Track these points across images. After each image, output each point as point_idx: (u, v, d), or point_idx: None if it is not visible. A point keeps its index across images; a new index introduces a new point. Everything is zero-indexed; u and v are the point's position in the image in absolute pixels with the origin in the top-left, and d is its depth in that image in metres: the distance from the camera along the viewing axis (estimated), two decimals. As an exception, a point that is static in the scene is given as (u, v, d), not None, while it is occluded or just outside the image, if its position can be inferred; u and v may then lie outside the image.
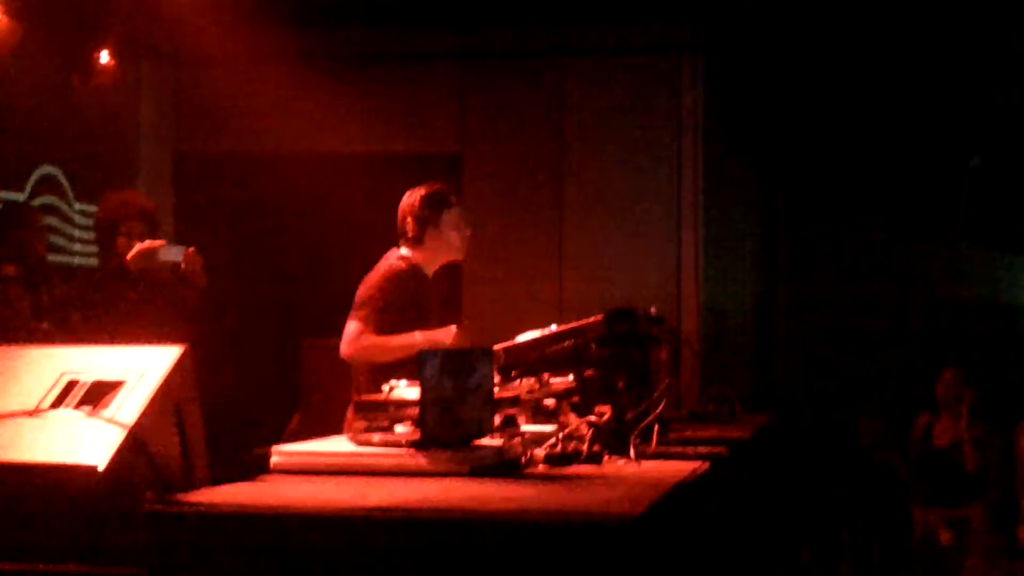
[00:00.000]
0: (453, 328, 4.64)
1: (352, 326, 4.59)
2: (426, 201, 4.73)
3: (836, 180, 9.53)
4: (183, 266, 4.94)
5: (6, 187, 6.66)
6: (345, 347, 4.59)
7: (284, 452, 3.02)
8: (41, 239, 5.73)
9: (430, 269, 4.80)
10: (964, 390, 7.06)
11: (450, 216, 4.75)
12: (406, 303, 4.63)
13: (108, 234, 5.10)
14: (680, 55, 8.10)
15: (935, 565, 6.78)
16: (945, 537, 6.74)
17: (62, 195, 7.10)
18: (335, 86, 7.85)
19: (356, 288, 4.81)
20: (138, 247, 4.89)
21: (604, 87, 8.17)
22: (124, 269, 4.93)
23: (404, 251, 4.76)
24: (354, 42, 8.12)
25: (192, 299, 5.04)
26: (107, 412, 2.62)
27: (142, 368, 2.70)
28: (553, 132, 8.20)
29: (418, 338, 4.54)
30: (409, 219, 4.74)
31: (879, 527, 7.21)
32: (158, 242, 4.94)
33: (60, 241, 7.06)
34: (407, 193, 4.79)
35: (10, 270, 5.70)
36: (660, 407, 3.55)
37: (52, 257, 6.90)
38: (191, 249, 4.96)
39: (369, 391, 4.56)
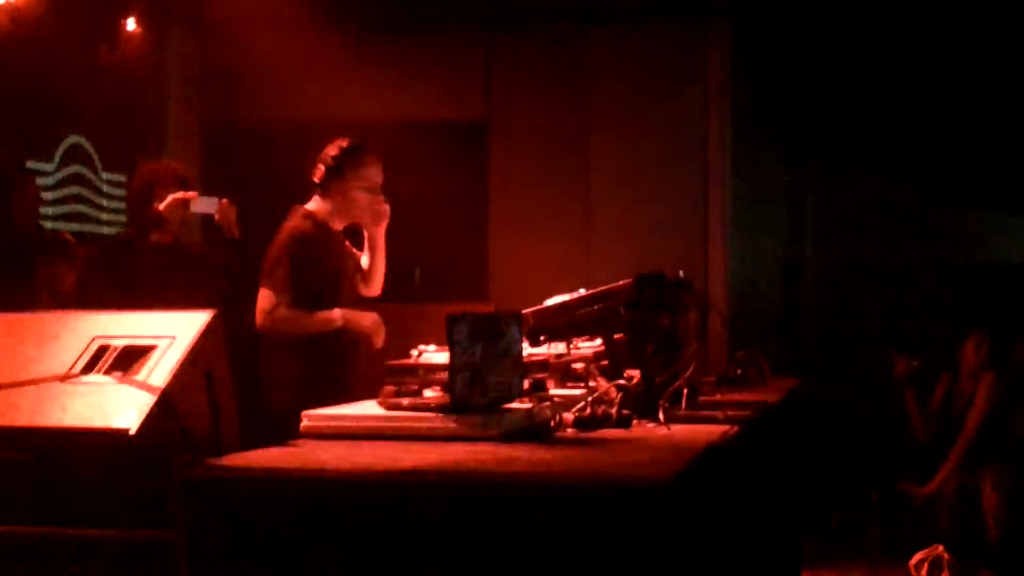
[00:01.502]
0: (375, 315, 4.62)
1: (265, 296, 4.52)
2: (340, 152, 4.69)
3: (864, 145, 9.46)
4: (216, 217, 4.97)
5: (35, 157, 6.68)
6: (260, 319, 4.52)
7: (314, 416, 3.03)
8: (31, 207, 5.61)
9: (337, 223, 4.73)
10: (987, 353, 7.01)
11: (359, 175, 4.69)
12: (312, 264, 4.57)
13: (143, 201, 5.11)
14: (708, 18, 8.05)
15: (956, 528, 6.75)
16: (956, 501, 6.72)
17: (90, 164, 7.13)
18: (362, 52, 7.84)
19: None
20: (172, 197, 4.91)
21: (631, 51, 8.13)
22: (156, 223, 4.94)
23: (310, 204, 4.72)
24: (380, 8, 8.10)
25: (224, 262, 5.06)
26: (138, 377, 2.63)
27: (173, 333, 2.71)
28: (580, 96, 8.16)
29: (336, 316, 4.51)
30: (320, 165, 4.71)
31: (907, 491, 7.18)
32: (191, 193, 4.96)
33: (88, 210, 7.09)
34: (330, 144, 4.75)
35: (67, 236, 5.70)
36: (689, 371, 3.54)
37: (80, 227, 6.93)
38: (225, 200, 4.98)
39: (284, 367, 4.55)
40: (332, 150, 4.71)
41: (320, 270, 4.59)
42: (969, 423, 6.75)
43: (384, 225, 4.80)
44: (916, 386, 7.03)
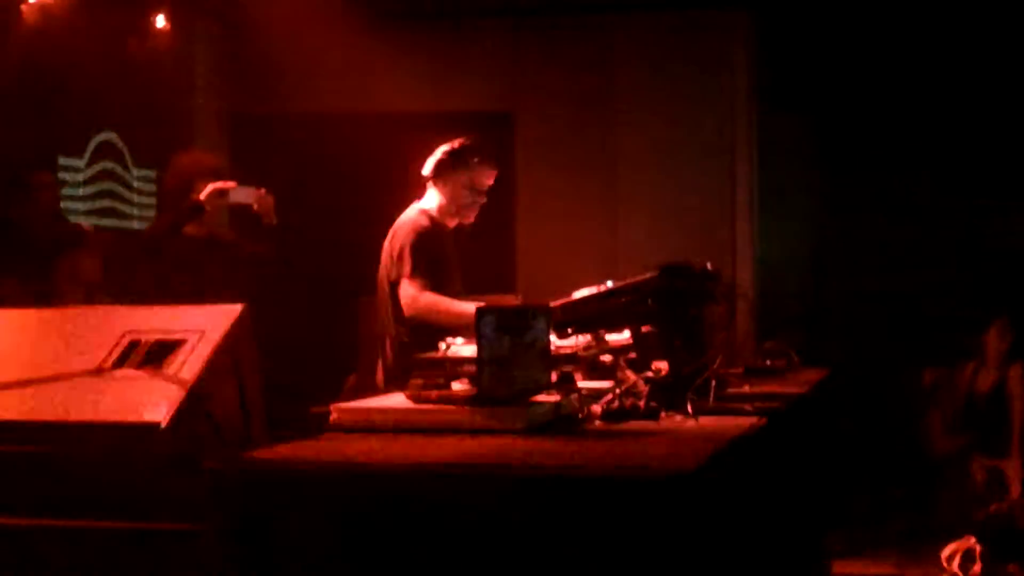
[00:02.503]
0: (514, 298, 4.67)
1: (406, 285, 4.58)
2: (450, 151, 4.76)
3: (889, 132, 9.41)
4: (255, 207, 5.04)
5: (66, 153, 6.72)
6: (407, 308, 4.58)
7: (343, 409, 3.04)
8: (49, 202, 5.57)
9: (448, 220, 4.81)
10: (1011, 339, 6.99)
11: (463, 174, 4.75)
12: (435, 258, 4.66)
13: (180, 193, 5.15)
14: (731, 8, 8.02)
15: (987, 519, 6.72)
16: (979, 482, 6.71)
17: (121, 161, 7.16)
18: (388, 45, 7.84)
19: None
20: (212, 186, 4.97)
21: (655, 41, 8.11)
22: (194, 212, 4.99)
23: (424, 201, 4.78)
24: (405, 0, 8.11)
25: (260, 254, 5.11)
26: (168, 371, 2.65)
27: (203, 327, 2.73)
28: (604, 87, 8.15)
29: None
30: (430, 162, 4.78)
31: (933, 481, 7.16)
32: (231, 183, 5.03)
33: (119, 206, 7.13)
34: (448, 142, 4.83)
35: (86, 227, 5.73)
36: (716, 362, 3.54)
37: (111, 222, 6.98)
38: (262, 190, 5.05)
39: (397, 355, 4.58)
40: (443, 147, 4.77)
41: (435, 264, 4.65)
42: (1016, 420, 6.75)
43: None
44: (941, 401, 7.03)
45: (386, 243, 4.76)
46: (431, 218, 4.75)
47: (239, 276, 5.01)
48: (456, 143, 4.79)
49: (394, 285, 4.64)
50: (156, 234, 5.20)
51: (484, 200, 4.82)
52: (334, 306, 7.52)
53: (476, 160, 4.76)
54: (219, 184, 4.98)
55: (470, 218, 4.86)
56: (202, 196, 4.96)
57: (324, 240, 7.70)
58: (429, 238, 4.67)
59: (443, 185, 4.76)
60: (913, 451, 7.63)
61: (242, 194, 5.00)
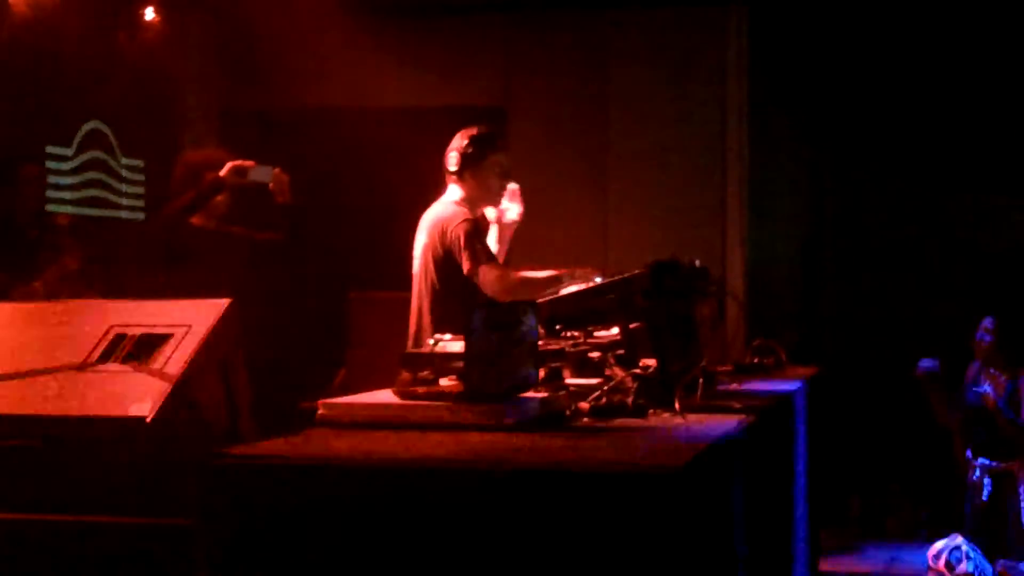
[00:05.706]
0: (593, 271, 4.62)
1: (491, 270, 4.50)
2: (472, 140, 4.72)
3: (882, 130, 9.42)
4: (271, 185, 5.07)
5: (54, 142, 6.70)
6: (502, 290, 4.51)
7: (330, 404, 3.03)
8: (29, 200, 5.50)
9: (477, 210, 4.78)
10: (1003, 339, 6.98)
11: (492, 161, 4.72)
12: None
13: (188, 187, 5.14)
14: (725, 5, 8.02)
15: (981, 517, 6.72)
16: (983, 486, 6.70)
17: (109, 150, 7.14)
18: (381, 40, 7.83)
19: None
20: (231, 164, 5.00)
21: (649, 36, 8.11)
22: (215, 189, 5.01)
23: (449, 194, 4.74)
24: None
25: (269, 243, 5.13)
26: (154, 365, 2.64)
27: (189, 321, 2.72)
28: (598, 83, 8.14)
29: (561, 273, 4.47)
30: (452, 154, 4.72)
31: (930, 479, 7.16)
32: (249, 162, 5.06)
33: (107, 196, 7.11)
34: (459, 133, 4.79)
35: (63, 220, 5.73)
36: (705, 359, 3.53)
37: (99, 212, 6.96)
38: (278, 168, 5.08)
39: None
40: (463, 138, 4.72)
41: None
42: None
43: (516, 222, 4.86)
44: (938, 382, 7.02)
45: (424, 239, 4.65)
46: (468, 210, 4.70)
47: (247, 268, 5.03)
48: (475, 131, 4.73)
49: (447, 279, 4.56)
50: (175, 211, 5.16)
51: (511, 183, 4.80)
52: (325, 302, 7.52)
53: (498, 144, 4.75)
54: (239, 161, 5.03)
55: (499, 203, 4.82)
56: (223, 172, 5.00)
57: (314, 235, 7.69)
58: (479, 226, 4.66)
59: (473, 175, 4.68)
60: (912, 447, 7.64)
61: (260, 172, 5.07)
